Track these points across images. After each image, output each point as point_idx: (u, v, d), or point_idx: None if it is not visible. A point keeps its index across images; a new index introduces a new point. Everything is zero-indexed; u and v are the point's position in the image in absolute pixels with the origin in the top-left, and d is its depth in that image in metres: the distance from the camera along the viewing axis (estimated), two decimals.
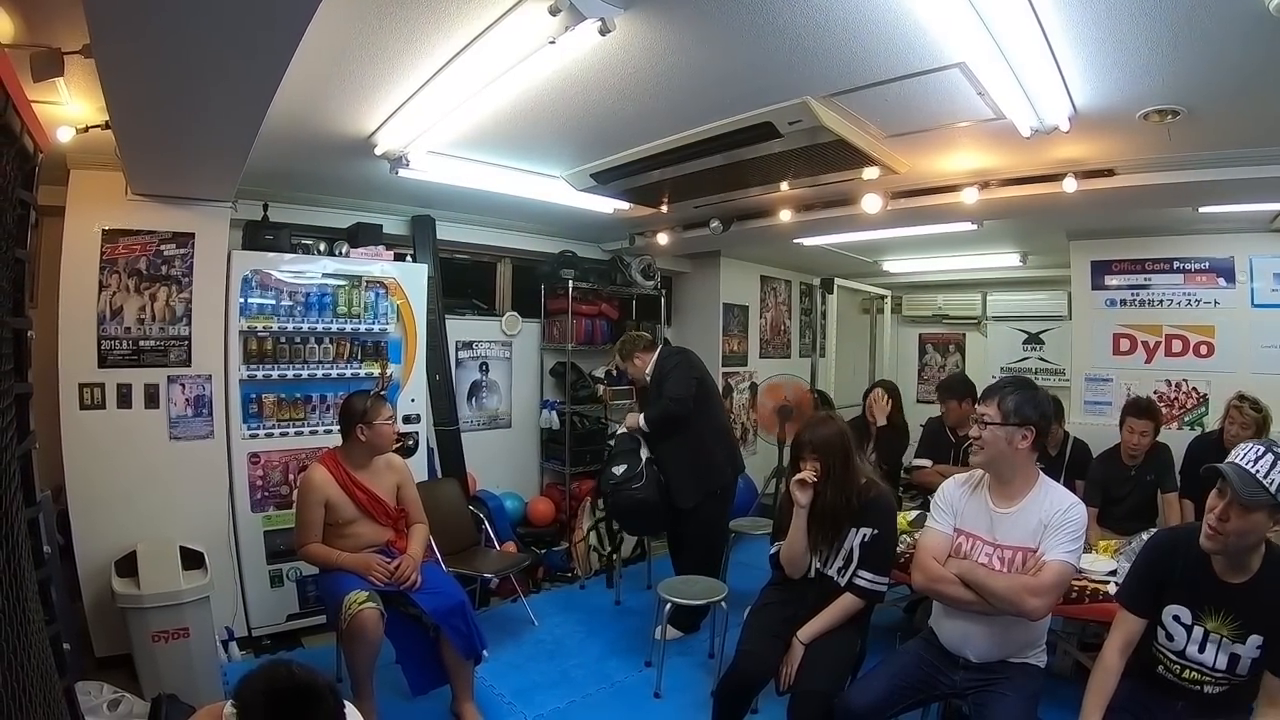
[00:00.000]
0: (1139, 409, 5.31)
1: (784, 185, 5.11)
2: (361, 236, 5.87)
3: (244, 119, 3.31)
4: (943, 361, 10.83)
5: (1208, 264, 6.65)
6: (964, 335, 10.67)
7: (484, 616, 5.49)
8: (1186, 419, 6.65)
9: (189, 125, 3.43)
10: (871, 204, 5.44)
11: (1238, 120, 3.82)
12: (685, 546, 5.55)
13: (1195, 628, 2.62)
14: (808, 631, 3.48)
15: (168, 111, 3.22)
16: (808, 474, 3.55)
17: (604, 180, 5.02)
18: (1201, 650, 2.61)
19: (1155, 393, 6.57)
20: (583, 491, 7.29)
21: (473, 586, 5.54)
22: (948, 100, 3.64)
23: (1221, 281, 6.60)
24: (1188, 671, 2.65)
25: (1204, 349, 6.67)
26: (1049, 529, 2.94)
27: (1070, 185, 4.64)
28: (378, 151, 4.47)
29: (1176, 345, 6.78)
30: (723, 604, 4.65)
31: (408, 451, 5.54)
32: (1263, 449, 2.41)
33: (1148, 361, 6.88)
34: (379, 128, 4.18)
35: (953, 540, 3.18)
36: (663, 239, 7.22)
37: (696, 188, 5.25)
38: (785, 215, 6.09)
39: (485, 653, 4.23)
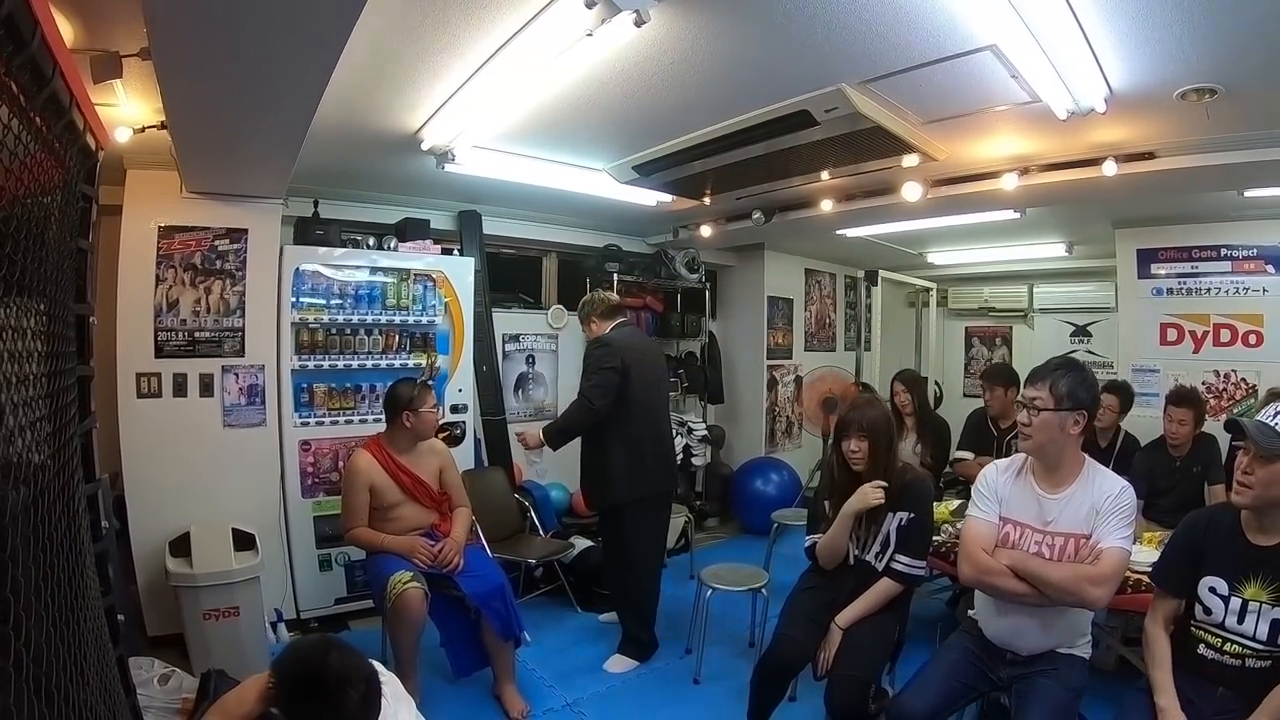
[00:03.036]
0: (1178, 397, 5.27)
1: (824, 175, 5.11)
2: (409, 231, 5.97)
3: (294, 116, 3.41)
4: (989, 355, 10.64)
5: (1255, 251, 6.51)
6: (1010, 328, 10.50)
7: (527, 603, 5.59)
8: (1235, 410, 6.44)
9: (242, 124, 3.54)
10: (912, 192, 5.37)
11: (1278, 98, 3.74)
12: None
13: (1233, 598, 2.61)
14: (846, 616, 3.46)
15: (222, 111, 3.33)
16: (875, 491, 3.48)
17: (646, 172, 5.06)
18: (1241, 620, 2.59)
19: (1203, 383, 6.52)
20: None
21: (516, 573, 5.64)
22: (982, 84, 3.61)
23: (1270, 269, 6.46)
24: (1229, 644, 2.62)
25: (1253, 338, 6.51)
26: (1101, 514, 2.85)
27: (1110, 169, 4.54)
28: (424, 147, 4.55)
29: (1225, 335, 6.63)
30: (763, 591, 4.66)
31: (455, 440, 5.62)
32: None
33: (1195, 351, 6.74)
34: (425, 123, 4.25)
35: (999, 529, 3.07)
36: (706, 231, 7.24)
37: (738, 179, 5.27)
38: (827, 205, 6.08)
39: (525, 636, 4.29)
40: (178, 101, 3.24)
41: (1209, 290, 6.70)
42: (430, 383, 4.73)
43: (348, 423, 5.51)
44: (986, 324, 10.74)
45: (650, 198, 5.99)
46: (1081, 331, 9.68)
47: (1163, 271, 6.88)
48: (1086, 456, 3.02)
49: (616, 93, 3.82)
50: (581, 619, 5.65)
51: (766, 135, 4.21)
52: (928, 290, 10.58)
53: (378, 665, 2.24)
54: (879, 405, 3.76)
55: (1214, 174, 4.72)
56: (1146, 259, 6.96)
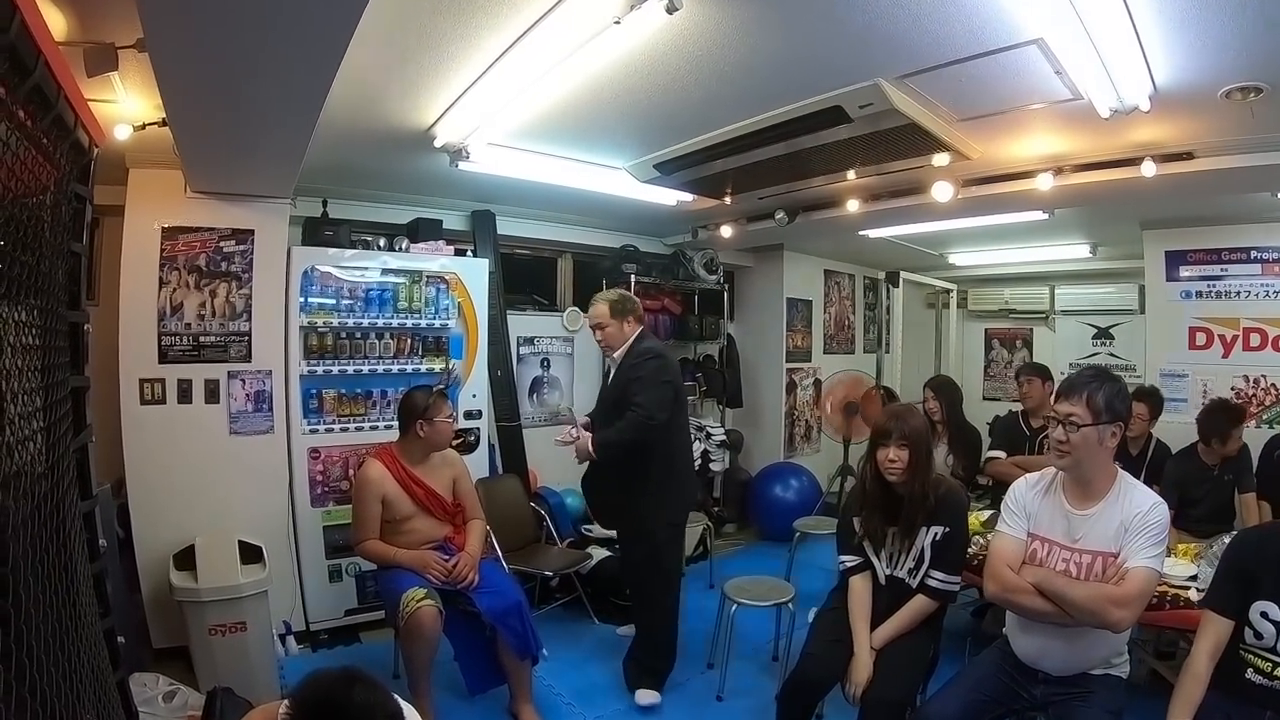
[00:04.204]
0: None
1: (851, 174, 4.99)
2: (422, 232, 5.85)
3: (301, 110, 3.26)
4: (1009, 357, 10.53)
5: None
6: (1031, 330, 10.38)
7: (544, 615, 5.46)
8: (1265, 417, 6.35)
9: (245, 118, 3.39)
10: (943, 192, 5.23)
11: None
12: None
13: None
14: (879, 636, 3.36)
15: (223, 104, 3.18)
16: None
17: (667, 171, 4.93)
18: None
19: (1232, 389, 6.41)
20: None
21: (532, 584, 5.49)
22: (1023, 80, 3.49)
23: None
24: None
25: None
26: (1130, 532, 2.73)
27: (1149, 169, 4.42)
28: (437, 144, 4.42)
29: (1255, 339, 6.49)
30: (789, 606, 4.53)
31: (469, 447, 5.51)
32: None
33: (1225, 356, 6.59)
34: (438, 119, 4.12)
35: (1026, 545, 2.98)
36: (726, 232, 7.08)
37: (761, 178, 5.14)
38: (853, 205, 5.93)
39: (544, 653, 4.18)
40: (176, 95, 3.11)
41: (1238, 293, 6.55)
42: (446, 390, 4.59)
43: (358, 429, 5.39)
44: (1007, 326, 10.62)
45: (670, 197, 5.86)
46: (1104, 334, 9.56)
47: (1191, 274, 6.74)
48: (1119, 470, 2.92)
49: (640, 87, 3.67)
50: (599, 631, 5.50)
51: (796, 132, 4.07)
52: (948, 292, 10.44)
53: (405, 705, 2.09)
54: (918, 413, 3.70)
55: (1252, 175, 4.61)
56: (1175, 261, 6.83)
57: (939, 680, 3.40)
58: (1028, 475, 3.19)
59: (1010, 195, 5.24)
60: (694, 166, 4.81)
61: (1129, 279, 8.84)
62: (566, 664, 4.86)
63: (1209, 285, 6.66)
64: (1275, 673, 2.53)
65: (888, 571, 3.48)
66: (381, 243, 5.67)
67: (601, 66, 3.34)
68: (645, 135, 4.52)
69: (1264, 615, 2.55)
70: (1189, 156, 4.48)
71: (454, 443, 4.87)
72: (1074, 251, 8.35)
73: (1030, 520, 3.00)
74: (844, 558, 3.64)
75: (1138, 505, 2.77)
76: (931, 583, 3.37)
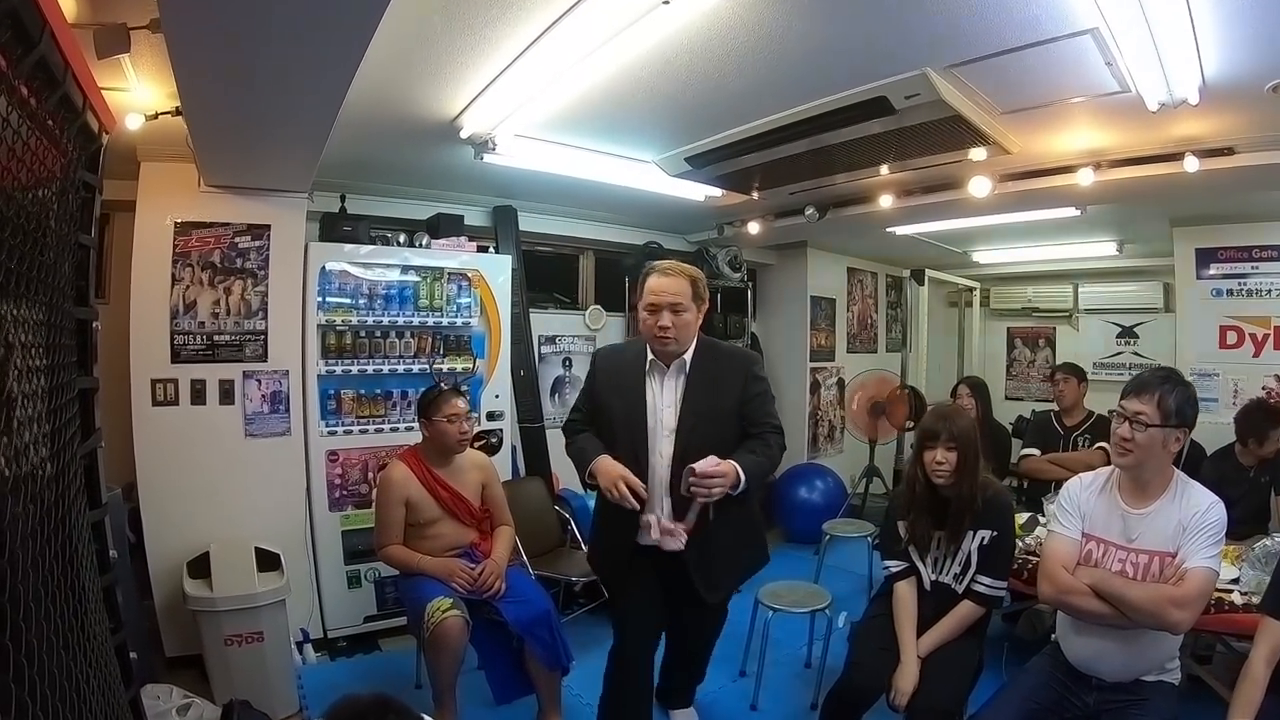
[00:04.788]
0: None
1: (884, 169, 4.88)
2: (442, 228, 5.71)
3: (323, 99, 3.14)
4: (1032, 356, 10.43)
5: None
6: (1054, 329, 10.23)
7: (569, 621, 5.28)
8: None
9: (264, 107, 3.26)
10: (980, 187, 5.10)
11: None
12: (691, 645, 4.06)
13: None
14: (925, 643, 3.28)
15: (241, 91, 3.04)
16: None
17: (699, 165, 4.80)
18: None
19: (1263, 389, 6.36)
20: None
21: (557, 589, 5.35)
22: (1071, 71, 3.41)
23: None
24: None
25: None
26: (1188, 532, 2.68)
27: (1192, 165, 4.35)
28: (463, 134, 4.27)
29: None
30: (826, 612, 4.41)
31: (491, 449, 5.38)
32: None
33: (1256, 355, 6.54)
34: (466, 108, 3.98)
35: (1081, 546, 2.92)
36: (754, 228, 6.94)
37: (793, 172, 5.03)
38: (886, 201, 5.81)
39: (573, 662, 4.04)
40: (191, 80, 2.97)
41: (1270, 291, 6.51)
42: (461, 387, 4.45)
43: (378, 431, 5.26)
44: (1029, 325, 10.46)
45: (699, 192, 5.74)
46: (1128, 333, 9.40)
47: (1222, 272, 6.68)
48: (1177, 471, 2.85)
49: (679, 76, 3.54)
50: None
51: (836, 124, 3.95)
52: (971, 290, 10.32)
53: None
54: (966, 414, 3.67)
55: None
56: (1205, 258, 6.77)
57: (983, 688, 3.35)
58: (1082, 475, 3.12)
59: (1048, 191, 5.15)
60: (726, 160, 4.68)
61: (1154, 277, 8.74)
62: (595, 673, 4.64)
63: (1239, 283, 6.60)
64: None
65: (933, 577, 3.42)
66: (401, 238, 5.52)
67: (639, 53, 3.22)
68: (679, 127, 4.38)
69: None
70: (1230, 152, 4.40)
71: (476, 444, 4.80)
72: (1100, 249, 8.22)
73: (1085, 520, 2.94)
74: (889, 563, 3.56)
75: (1196, 504, 2.72)
76: (979, 588, 3.30)
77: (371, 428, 5.25)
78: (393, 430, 5.27)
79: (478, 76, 3.54)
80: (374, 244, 5.35)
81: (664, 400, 3.31)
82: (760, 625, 4.48)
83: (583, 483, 3.39)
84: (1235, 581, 3.60)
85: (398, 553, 3.99)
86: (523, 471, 6.18)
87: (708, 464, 3.01)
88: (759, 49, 3.23)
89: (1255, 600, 3.37)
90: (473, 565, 3.96)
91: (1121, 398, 2.83)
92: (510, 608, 3.87)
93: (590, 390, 3.55)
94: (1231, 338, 6.62)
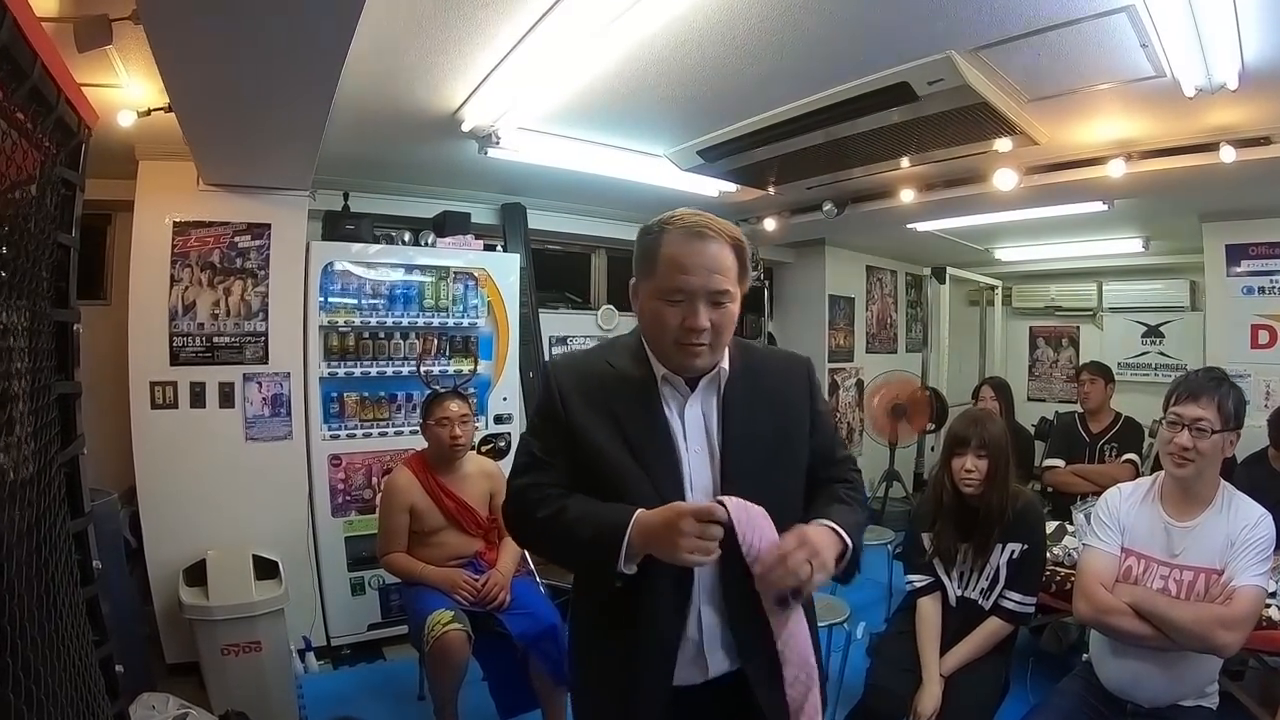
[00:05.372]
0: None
1: (905, 161, 4.75)
2: (449, 226, 5.60)
3: (315, 87, 3.00)
4: (1055, 356, 10.28)
5: None
6: (1077, 328, 10.09)
7: None
8: None
9: (253, 98, 3.14)
10: (1006, 180, 4.92)
11: None
12: None
13: None
14: (950, 663, 3.10)
15: (228, 81, 2.94)
16: None
17: (712, 158, 4.68)
18: None
19: None
20: None
21: (565, 598, 5.22)
22: (1103, 54, 3.24)
23: None
24: None
25: None
26: (1237, 546, 2.50)
27: (1229, 155, 4.18)
28: (465, 128, 4.16)
29: None
30: (845, 626, 4.20)
31: (499, 453, 5.23)
32: None
33: None
34: (466, 101, 3.85)
35: (1120, 562, 2.73)
36: (769, 225, 6.81)
37: (811, 165, 4.89)
38: (907, 196, 5.66)
39: None
40: (176, 72, 2.88)
41: None
42: (468, 390, 4.32)
43: (381, 435, 5.16)
44: (1052, 324, 10.30)
45: (713, 187, 5.60)
46: (1154, 332, 9.18)
47: (1253, 269, 6.43)
48: (1223, 481, 2.67)
49: (692, 60, 3.38)
50: None
51: (856, 113, 3.80)
52: (993, 288, 10.18)
53: None
54: (998, 419, 3.49)
55: None
56: (1236, 255, 6.51)
57: (1008, 708, 3.18)
58: (1122, 485, 2.93)
59: (1076, 184, 5.02)
60: (741, 153, 4.56)
61: (1180, 274, 8.55)
62: None
63: (1271, 280, 6.35)
64: None
65: (959, 592, 3.24)
66: (406, 237, 5.41)
67: (647, 39, 3.09)
68: (690, 118, 4.23)
69: None
70: (1266, 141, 4.22)
71: (483, 449, 4.74)
72: (1126, 246, 8.02)
73: (1125, 534, 2.76)
74: (913, 577, 3.39)
75: (1245, 518, 2.55)
76: (1007, 604, 3.12)
77: (375, 431, 5.15)
78: (397, 434, 5.16)
79: (476, 66, 3.40)
80: (378, 243, 5.25)
81: (694, 440, 1.93)
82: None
83: (609, 580, 1.75)
84: (1274, 595, 3.32)
85: (400, 561, 3.88)
86: None
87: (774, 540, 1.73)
88: (772, 32, 3.08)
89: None
90: (477, 576, 3.85)
91: (1174, 404, 2.65)
92: (515, 620, 3.75)
93: (556, 431, 1.93)
94: (1263, 337, 6.32)
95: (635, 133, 4.53)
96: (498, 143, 4.27)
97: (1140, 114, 4.07)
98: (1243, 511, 2.57)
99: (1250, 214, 6.29)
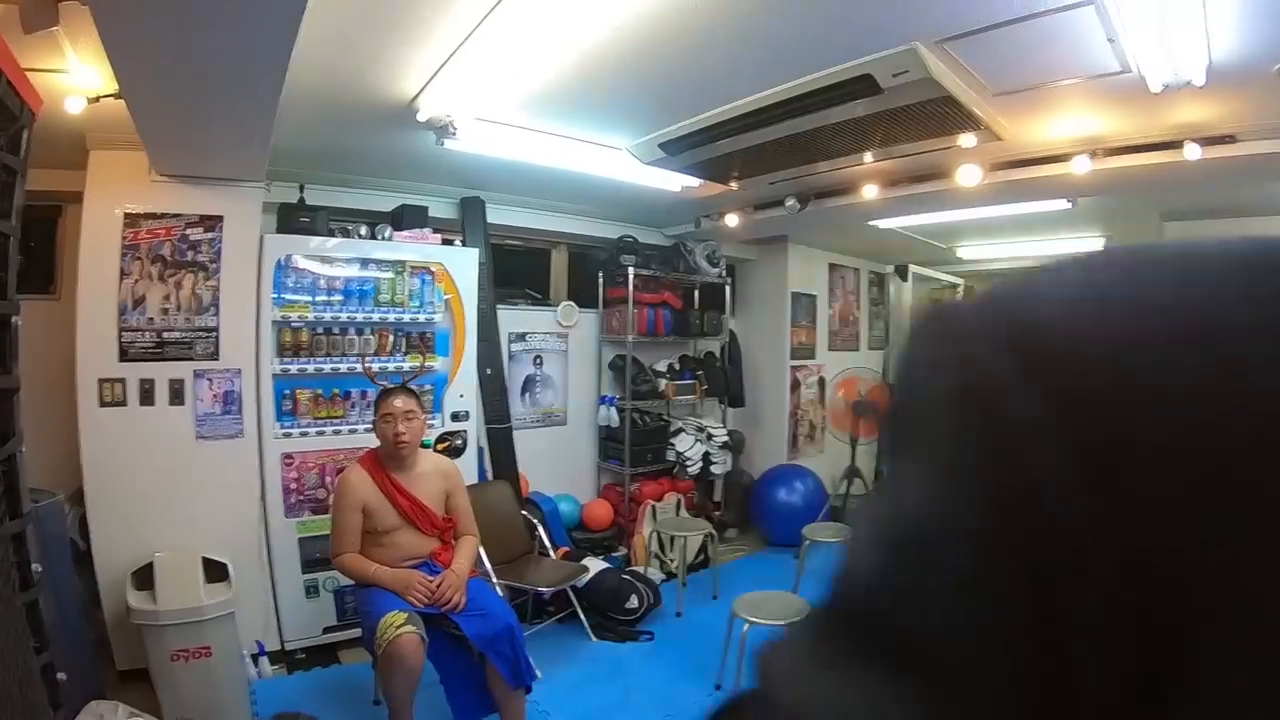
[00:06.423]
0: None
1: (869, 156, 4.69)
2: (406, 219, 5.49)
3: (265, 70, 2.89)
4: None
5: None
6: None
7: (537, 632, 5.12)
8: None
9: (203, 83, 3.02)
10: (970, 176, 4.91)
11: None
12: None
13: None
14: None
15: (176, 65, 2.81)
16: None
17: (673, 151, 4.58)
18: None
19: None
20: (643, 494, 6.92)
21: (524, 600, 5.16)
22: (1070, 48, 3.23)
23: None
24: None
25: None
26: None
27: (1194, 153, 4.18)
28: (421, 118, 4.05)
29: None
30: None
31: (455, 452, 5.16)
32: None
33: None
34: (422, 90, 3.76)
35: None
36: (732, 220, 6.73)
37: (774, 160, 4.81)
38: (870, 192, 5.63)
39: (538, 673, 3.90)
40: (123, 57, 2.75)
41: None
42: (424, 386, 4.23)
43: (335, 433, 5.04)
44: None
45: (675, 182, 5.50)
46: None
47: None
48: None
49: (650, 52, 3.33)
50: (596, 650, 5.16)
51: (819, 105, 3.73)
52: (954, 287, 10.43)
53: None
54: None
55: None
56: None
57: None
58: None
59: (1040, 180, 4.97)
60: (703, 146, 4.47)
61: None
62: (562, 686, 4.54)
63: None
64: None
65: None
66: (363, 231, 5.30)
67: (608, 26, 3.00)
68: (652, 110, 4.16)
69: None
70: (1231, 140, 4.23)
71: (439, 447, 4.67)
72: (1087, 245, 8.00)
73: None
74: None
75: None
76: None
77: (329, 429, 5.03)
78: (351, 432, 5.05)
79: (432, 54, 3.32)
80: (334, 236, 5.14)
81: None
82: (737, 637, 4.28)
83: None
84: None
85: (353, 562, 3.79)
86: (490, 474, 5.96)
87: None
88: (736, 23, 3.05)
89: None
90: (432, 577, 3.75)
91: None
92: (471, 622, 3.68)
93: None
94: None
95: (596, 124, 4.45)
96: (454, 134, 4.16)
97: (1106, 110, 4.07)
98: None
99: (1213, 214, 6.38)
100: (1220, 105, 3.89)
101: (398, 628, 3.39)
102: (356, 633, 4.63)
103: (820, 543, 5.83)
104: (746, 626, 4.18)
